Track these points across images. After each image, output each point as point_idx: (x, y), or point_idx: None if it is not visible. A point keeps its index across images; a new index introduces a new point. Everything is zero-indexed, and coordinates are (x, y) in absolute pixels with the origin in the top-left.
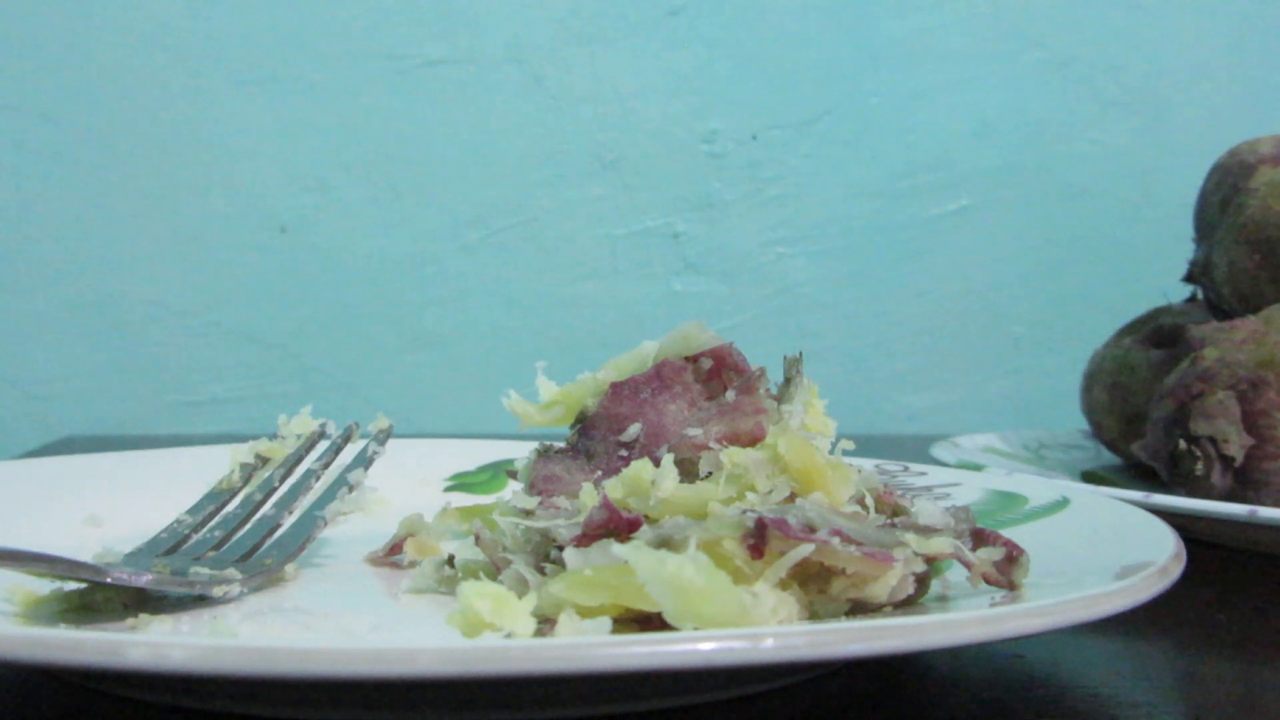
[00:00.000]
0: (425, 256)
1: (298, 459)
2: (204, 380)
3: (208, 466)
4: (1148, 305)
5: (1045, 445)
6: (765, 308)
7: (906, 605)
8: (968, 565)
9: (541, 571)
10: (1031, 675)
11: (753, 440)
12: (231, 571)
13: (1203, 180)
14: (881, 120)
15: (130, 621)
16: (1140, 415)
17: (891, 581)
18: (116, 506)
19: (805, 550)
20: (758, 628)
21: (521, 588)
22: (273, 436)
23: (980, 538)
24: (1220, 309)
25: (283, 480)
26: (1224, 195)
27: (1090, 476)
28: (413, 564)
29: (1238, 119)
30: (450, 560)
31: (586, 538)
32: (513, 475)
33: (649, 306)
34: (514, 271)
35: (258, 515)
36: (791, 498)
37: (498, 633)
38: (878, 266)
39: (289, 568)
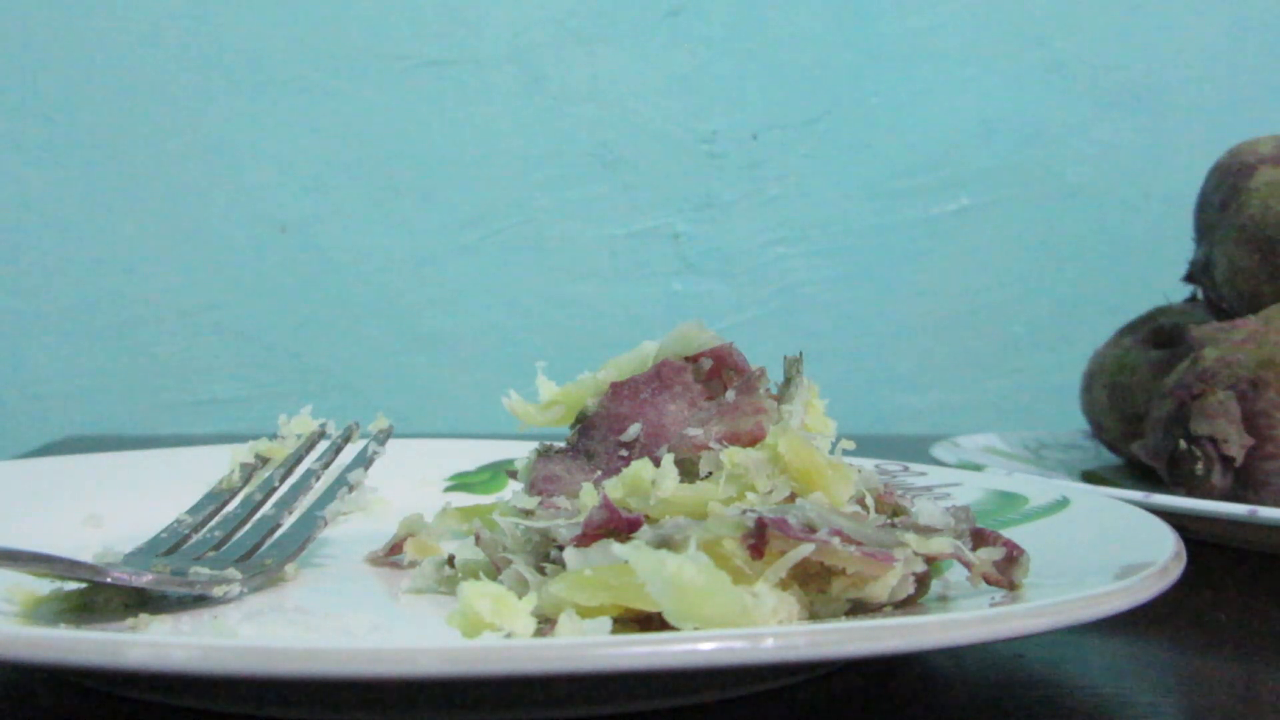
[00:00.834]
0: (425, 256)
1: (298, 459)
2: (204, 380)
3: (208, 466)
4: (1148, 305)
5: (1045, 445)
6: (765, 308)
7: (906, 605)
8: (968, 565)
9: (541, 571)
10: (1031, 675)
11: (753, 440)
12: (231, 571)
13: (1203, 180)
14: (881, 120)
15: (130, 621)
16: (1140, 415)
17: (891, 581)
18: (116, 506)
19: (805, 550)
20: (758, 628)
21: (521, 588)
22: (273, 436)
23: (980, 538)
24: (1220, 309)
25: (283, 480)
26: (1224, 195)
27: (1090, 476)
28: (413, 564)
29: (1238, 119)
30: (450, 560)
31: (586, 538)
32: (513, 475)
33: (649, 306)
34: (514, 271)
35: (258, 515)
36: (791, 498)
37: (498, 633)
38: (878, 266)
39: (289, 568)
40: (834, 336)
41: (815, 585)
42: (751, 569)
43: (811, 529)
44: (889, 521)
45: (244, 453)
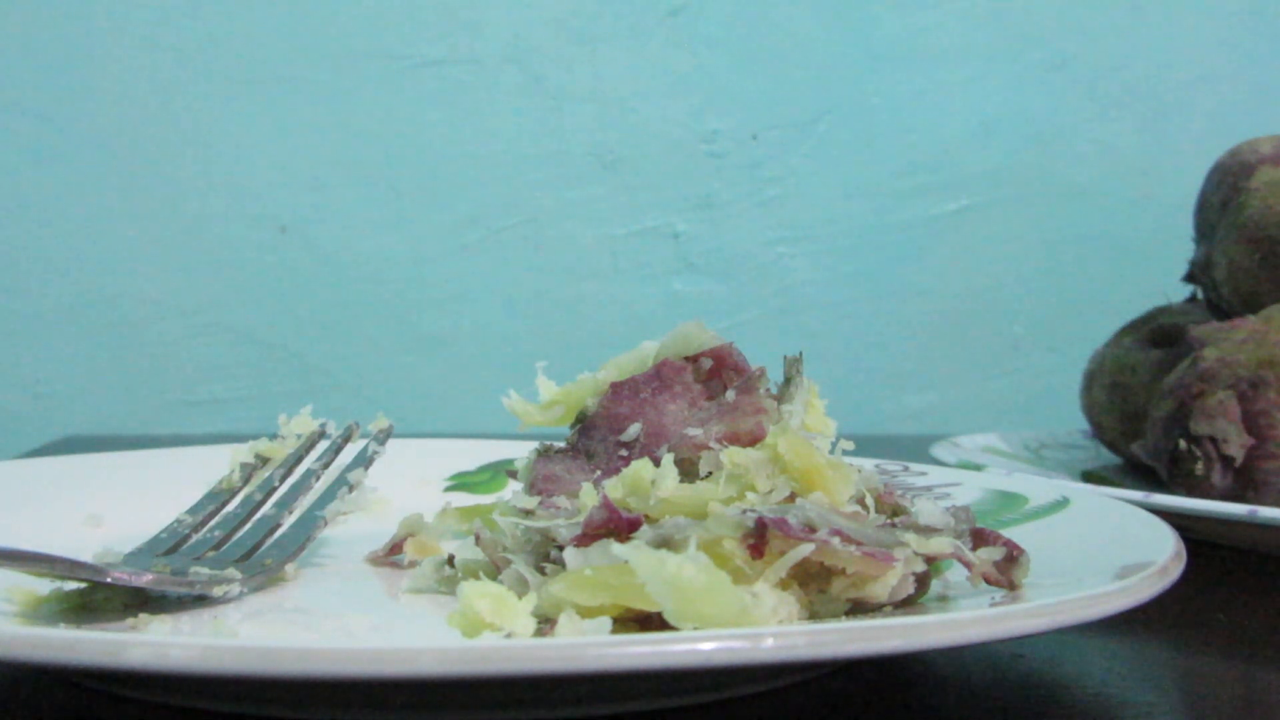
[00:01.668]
0: (425, 256)
1: (298, 459)
2: (204, 380)
3: (208, 466)
4: (1148, 305)
5: (1045, 445)
6: (765, 308)
7: (906, 605)
8: (968, 565)
9: (541, 571)
10: (1031, 675)
11: (753, 440)
12: (231, 571)
13: (1203, 180)
14: (881, 120)
15: (130, 621)
16: (1140, 415)
17: (891, 581)
18: (116, 506)
19: (805, 550)
20: (758, 628)
21: (521, 588)
22: (273, 436)
23: (980, 537)
24: (1220, 309)
25: (283, 480)
26: (1224, 195)
27: (1090, 476)
28: (413, 564)
29: (1238, 119)
30: (450, 560)
31: (586, 538)
32: (513, 475)
33: (649, 306)
34: (514, 271)
35: (258, 515)
36: (791, 498)
37: (498, 633)
38: (878, 266)
39: (289, 568)
40: (834, 336)
41: (815, 585)
42: (751, 569)
43: (811, 529)
44: (889, 521)
45: (244, 453)
